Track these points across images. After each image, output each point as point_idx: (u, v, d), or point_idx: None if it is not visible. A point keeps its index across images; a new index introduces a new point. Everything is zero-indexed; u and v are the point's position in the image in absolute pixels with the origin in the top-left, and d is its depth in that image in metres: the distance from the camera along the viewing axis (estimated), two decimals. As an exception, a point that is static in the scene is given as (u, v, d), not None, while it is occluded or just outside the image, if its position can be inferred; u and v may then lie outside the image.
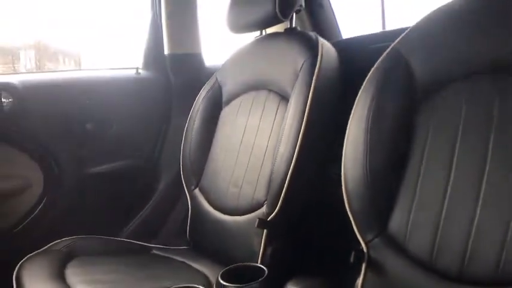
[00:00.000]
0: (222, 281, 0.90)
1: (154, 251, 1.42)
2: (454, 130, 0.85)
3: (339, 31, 1.83)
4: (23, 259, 1.19)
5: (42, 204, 1.48)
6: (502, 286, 0.75)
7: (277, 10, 1.28)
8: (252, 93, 1.38)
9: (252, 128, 1.33)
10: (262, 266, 0.94)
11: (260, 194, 1.21)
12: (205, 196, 1.41)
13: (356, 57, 1.15)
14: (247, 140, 1.33)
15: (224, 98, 1.48)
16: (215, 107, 1.49)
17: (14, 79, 1.44)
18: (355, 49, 1.38)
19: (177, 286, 0.89)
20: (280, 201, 1.13)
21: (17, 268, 1.16)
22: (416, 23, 0.97)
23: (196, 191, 1.44)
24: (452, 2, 0.93)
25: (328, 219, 1.06)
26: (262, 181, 1.22)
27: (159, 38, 1.71)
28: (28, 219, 1.46)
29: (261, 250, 1.16)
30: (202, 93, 1.52)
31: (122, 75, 1.70)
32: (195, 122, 1.50)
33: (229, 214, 1.30)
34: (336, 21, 1.84)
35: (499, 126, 0.80)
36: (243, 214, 1.25)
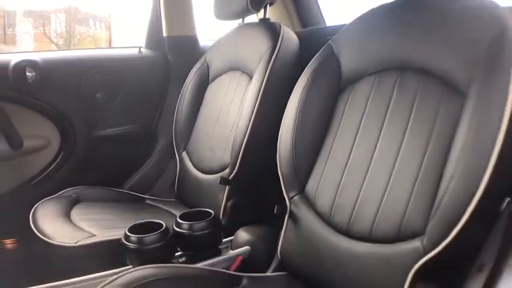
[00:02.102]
0: (179, 220, 1.19)
1: (147, 201, 1.71)
2: (359, 116, 1.04)
3: (322, 18, 2.03)
4: (38, 202, 1.47)
5: (58, 159, 1.75)
6: (374, 242, 0.93)
7: (248, 4, 1.50)
8: (230, 74, 1.61)
9: (226, 103, 1.56)
10: (211, 211, 1.22)
11: (226, 157, 1.46)
12: (190, 158, 1.66)
13: (314, 47, 1.26)
14: (223, 113, 1.56)
15: (210, 76, 1.71)
16: (202, 83, 1.72)
17: (36, 56, 1.68)
18: (315, 39, 1.58)
19: (143, 221, 1.18)
20: (237, 164, 1.39)
21: (32, 209, 1.43)
22: (350, 23, 1.16)
23: (184, 153, 1.70)
24: (380, 5, 1.10)
25: (276, 179, 1.23)
26: (229, 147, 1.46)
27: (158, 22, 1.93)
28: (47, 171, 1.73)
29: (223, 202, 1.41)
30: (193, 71, 1.75)
31: (127, 53, 1.92)
32: (186, 96, 1.74)
33: (205, 173, 1.55)
34: (319, 8, 2.03)
35: (391, 113, 0.98)
36: (214, 173, 1.50)
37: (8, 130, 1.62)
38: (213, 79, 1.70)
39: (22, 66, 1.63)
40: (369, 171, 0.99)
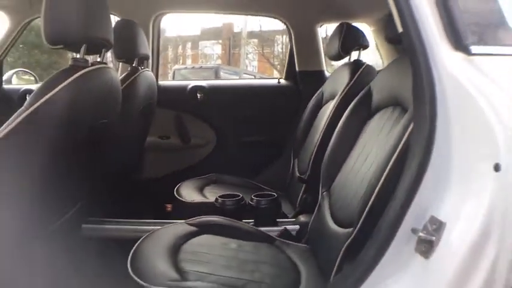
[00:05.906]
0: (252, 196, 1.77)
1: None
2: (367, 139, 1.42)
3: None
4: (183, 181, 2.18)
5: (213, 154, 2.52)
6: (342, 227, 1.27)
7: (339, 50, 2.00)
8: (332, 101, 2.10)
9: (322, 122, 2.05)
10: (275, 193, 1.76)
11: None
12: (297, 163, 2.21)
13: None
14: (318, 127, 2.06)
15: (323, 101, 2.23)
16: (317, 107, 2.22)
17: (204, 83, 2.50)
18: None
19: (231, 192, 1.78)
20: (309, 168, 1.89)
21: (178, 185, 2.11)
22: (382, 70, 1.57)
23: (296, 160, 2.25)
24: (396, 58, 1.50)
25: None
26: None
27: (293, 59, 2.54)
28: (204, 162, 2.51)
29: (300, 196, 1.93)
30: (312, 98, 2.29)
31: (268, 83, 2.61)
32: (304, 116, 2.28)
33: (299, 173, 2.08)
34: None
35: (380, 135, 1.33)
36: (302, 174, 2.02)
37: (182, 131, 2.45)
38: (323, 105, 2.20)
39: (194, 90, 2.46)
40: (356, 178, 1.35)
